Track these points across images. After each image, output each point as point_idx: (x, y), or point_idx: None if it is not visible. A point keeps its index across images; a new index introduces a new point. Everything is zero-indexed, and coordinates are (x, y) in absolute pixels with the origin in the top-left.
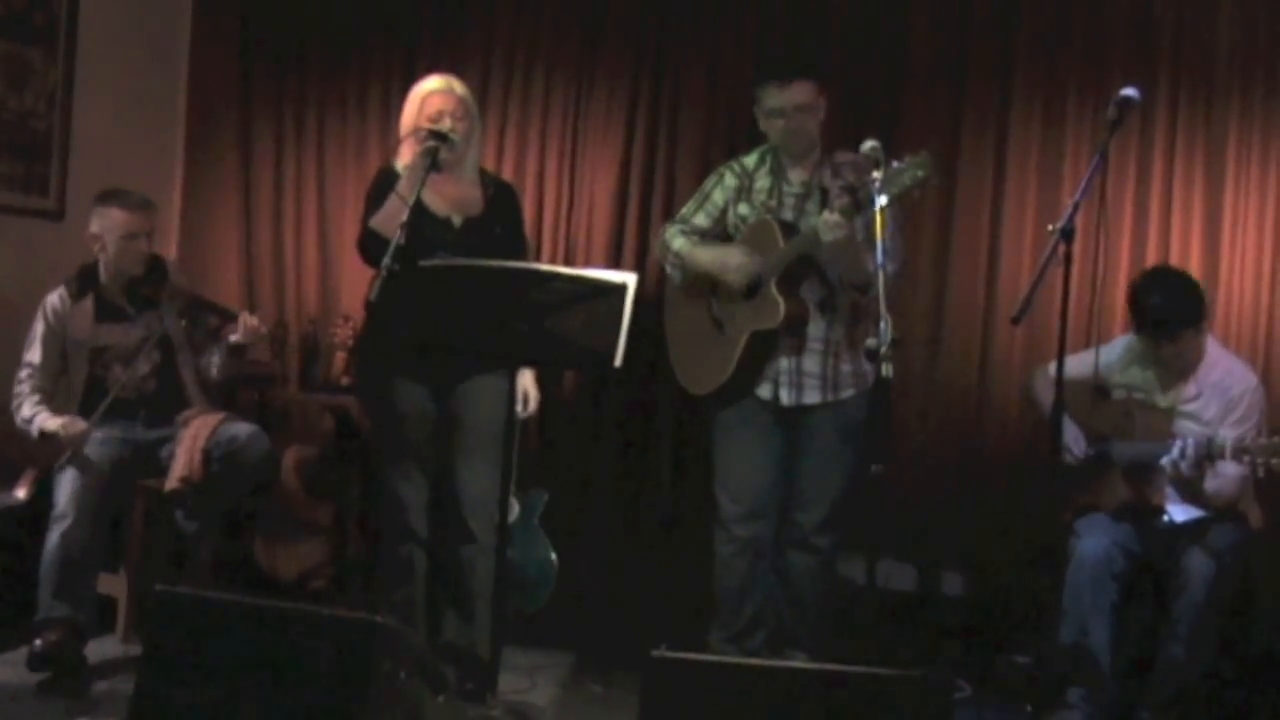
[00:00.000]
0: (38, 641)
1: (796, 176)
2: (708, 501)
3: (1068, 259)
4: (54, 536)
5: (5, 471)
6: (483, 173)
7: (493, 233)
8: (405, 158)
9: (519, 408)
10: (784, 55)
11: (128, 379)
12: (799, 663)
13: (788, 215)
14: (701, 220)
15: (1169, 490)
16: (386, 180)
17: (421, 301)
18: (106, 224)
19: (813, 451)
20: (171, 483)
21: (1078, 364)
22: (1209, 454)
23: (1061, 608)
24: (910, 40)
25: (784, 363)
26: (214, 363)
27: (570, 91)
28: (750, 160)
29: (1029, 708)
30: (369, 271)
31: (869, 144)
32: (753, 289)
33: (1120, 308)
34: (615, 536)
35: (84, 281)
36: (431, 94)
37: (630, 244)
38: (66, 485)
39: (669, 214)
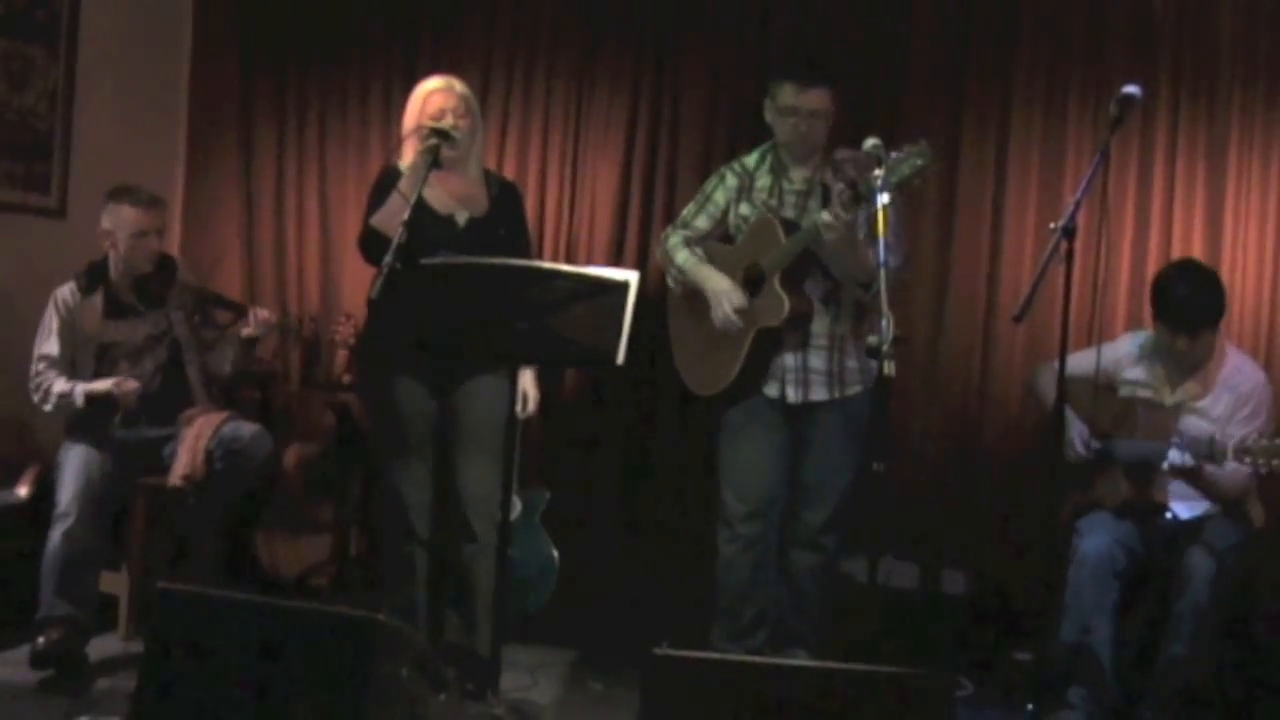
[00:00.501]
0: (39, 639)
1: (798, 175)
2: (709, 499)
3: (1069, 257)
4: (56, 534)
5: (6, 469)
6: (487, 173)
7: (497, 232)
8: (407, 156)
9: (518, 408)
10: (807, 59)
11: (133, 376)
12: (800, 661)
13: (789, 213)
14: (703, 222)
15: (1171, 487)
16: (389, 179)
17: (423, 300)
18: (117, 221)
19: (820, 449)
20: (174, 481)
21: (1081, 361)
22: (1211, 455)
23: (1063, 606)
24: (911, 39)
25: (790, 360)
26: (226, 358)
27: (571, 90)
28: (751, 160)
29: (1030, 706)
30: (370, 269)
31: (870, 142)
32: (756, 286)
33: (1122, 305)
34: (617, 535)
35: (93, 277)
36: (433, 93)
37: (631, 242)
38: (68, 483)
39: (670, 212)
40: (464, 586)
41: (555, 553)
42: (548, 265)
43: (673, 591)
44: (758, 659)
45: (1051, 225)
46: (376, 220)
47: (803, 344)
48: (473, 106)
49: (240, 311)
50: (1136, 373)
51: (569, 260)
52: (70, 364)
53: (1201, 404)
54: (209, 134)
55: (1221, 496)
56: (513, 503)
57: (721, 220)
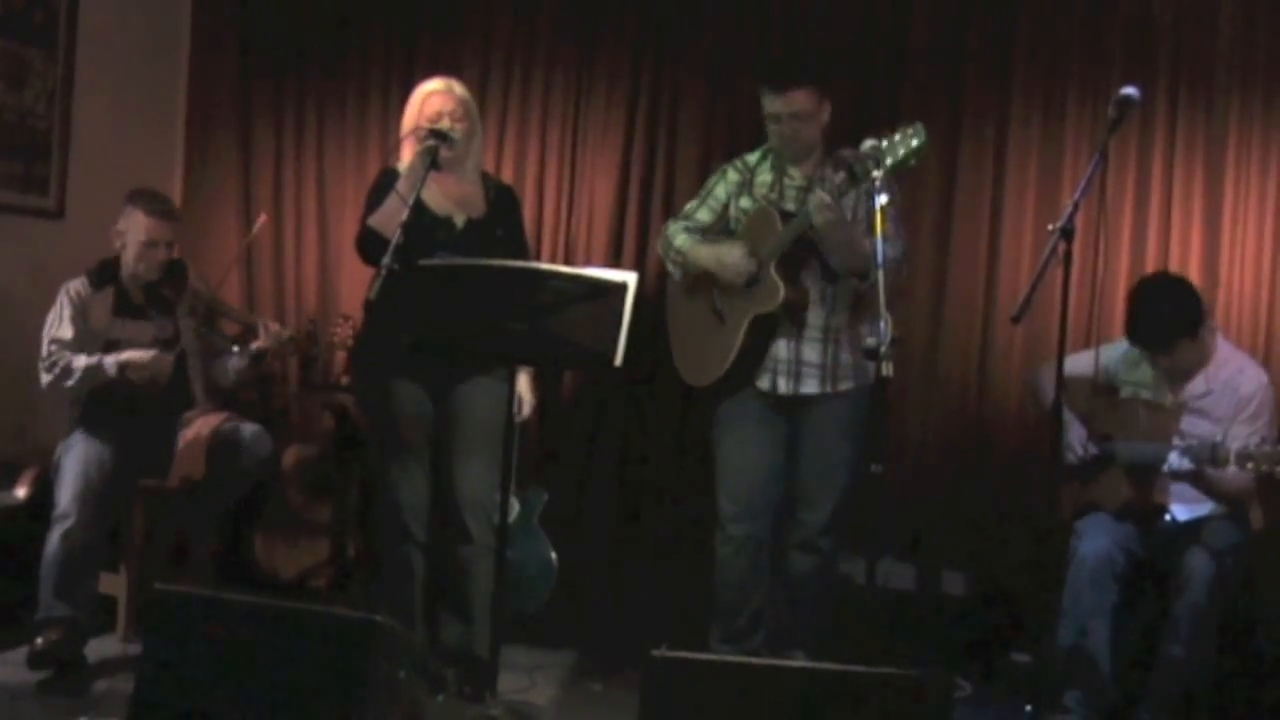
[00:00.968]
0: (38, 640)
1: (799, 172)
2: (707, 501)
3: (1067, 258)
4: (55, 536)
5: (5, 470)
6: (484, 175)
7: (494, 234)
8: (405, 158)
9: (515, 411)
10: (781, 61)
11: (135, 377)
12: (799, 662)
13: (789, 207)
14: (704, 215)
15: (1173, 490)
16: (387, 180)
17: (421, 301)
18: (130, 225)
19: (812, 447)
20: (173, 482)
21: (1081, 362)
22: (1213, 459)
23: (1061, 608)
24: (910, 40)
25: (783, 351)
26: (230, 369)
27: (569, 92)
28: (753, 157)
29: (1029, 707)
30: (369, 271)
31: (869, 143)
32: (752, 279)
33: (1120, 307)
34: (614, 536)
35: (104, 274)
36: (431, 94)
37: (630, 243)
38: (68, 484)
39: (668, 213)
40: (462, 588)
41: (553, 554)
42: (546, 267)
43: (671, 593)
44: (756, 660)
45: (1050, 226)
46: (374, 221)
47: (797, 335)
48: (471, 109)
49: (249, 325)
50: (1136, 374)
51: (567, 262)
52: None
53: (1204, 404)
54: (207, 135)
55: (1223, 498)
56: (511, 504)
57: (722, 214)
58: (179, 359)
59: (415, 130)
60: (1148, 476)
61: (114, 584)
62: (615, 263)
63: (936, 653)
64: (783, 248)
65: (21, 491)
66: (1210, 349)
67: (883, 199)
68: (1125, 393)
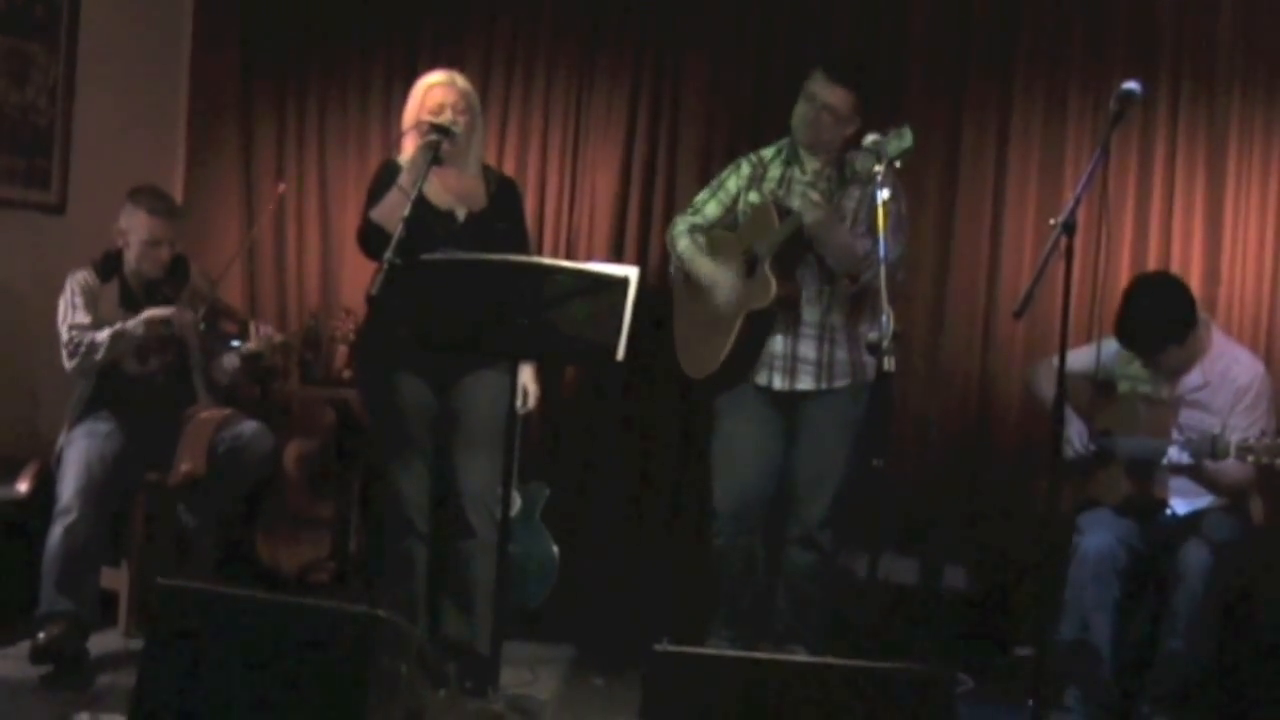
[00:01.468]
0: (40, 635)
1: (810, 166)
2: (709, 495)
3: (1069, 253)
4: (57, 530)
5: (7, 465)
6: (486, 168)
7: (495, 227)
8: (407, 151)
9: (518, 403)
10: (848, 58)
11: (138, 372)
12: (801, 657)
13: (794, 203)
14: (713, 209)
15: (1172, 484)
16: (389, 174)
17: (423, 295)
18: (132, 223)
19: (808, 443)
20: (175, 477)
21: (1080, 358)
22: (1213, 452)
23: (1063, 603)
24: (911, 35)
25: (779, 346)
26: (225, 369)
27: (571, 86)
28: (768, 152)
29: (1030, 702)
30: (370, 265)
31: (870, 138)
32: (749, 269)
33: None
34: (617, 530)
35: (109, 267)
36: (433, 87)
37: (632, 238)
38: (70, 479)
39: (670, 208)
40: (463, 582)
41: (555, 548)
42: (548, 261)
43: (673, 587)
44: (758, 655)
45: (1051, 221)
46: (376, 215)
47: (794, 332)
48: (473, 102)
49: (243, 325)
50: (1133, 369)
51: (569, 256)
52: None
53: (1201, 396)
54: (209, 130)
55: (1223, 491)
56: (513, 498)
57: (731, 207)
58: (180, 356)
59: (417, 124)
60: (1147, 471)
61: (116, 579)
62: (617, 256)
63: (938, 647)
64: (776, 245)
65: (23, 486)
66: (1204, 343)
67: (885, 194)
68: (1123, 388)
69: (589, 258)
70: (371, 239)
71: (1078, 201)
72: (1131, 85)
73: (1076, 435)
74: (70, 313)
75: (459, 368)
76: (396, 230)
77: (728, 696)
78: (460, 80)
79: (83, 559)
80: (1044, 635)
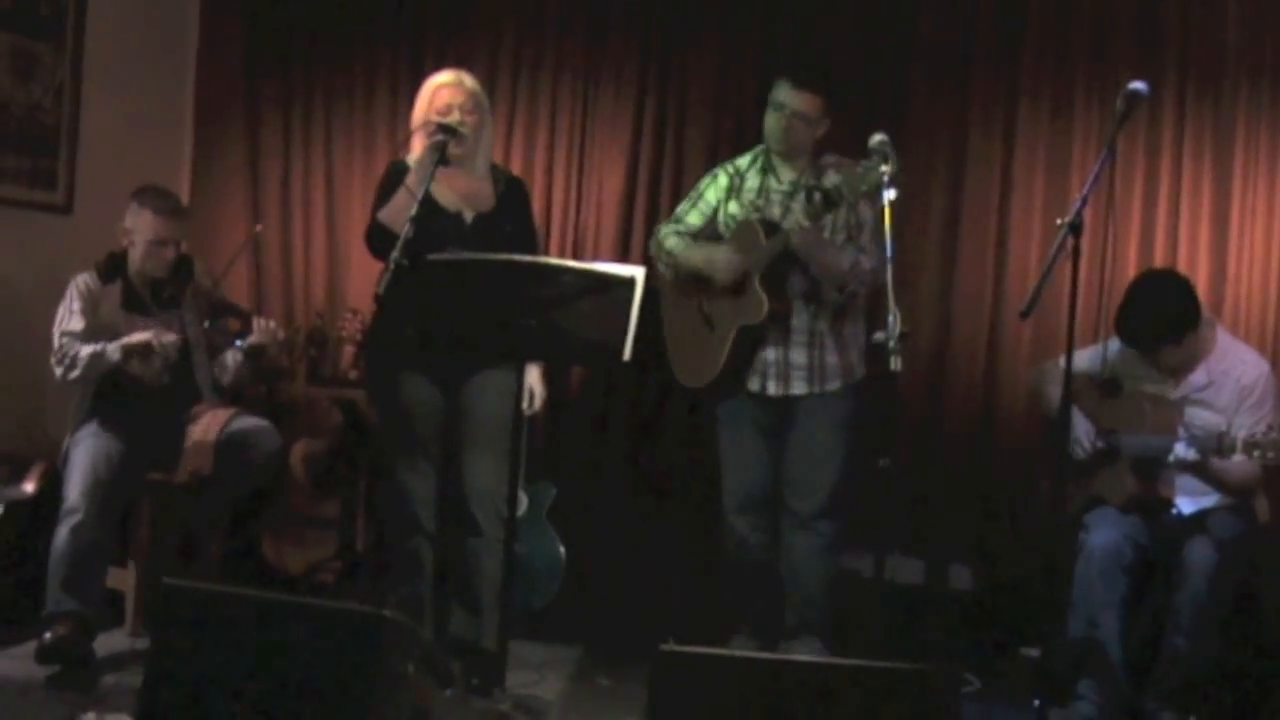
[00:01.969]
0: (46, 635)
1: (785, 176)
2: (715, 495)
3: (1075, 253)
4: (63, 531)
5: (13, 465)
6: (494, 168)
7: (503, 228)
8: (415, 151)
9: (524, 404)
10: (810, 61)
11: (142, 372)
12: (807, 656)
13: (774, 212)
14: (695, 219)
15: (1178, 483)
16: (396, 174)
17: (430, 296)
18: (137, 223)
19: (800, 442)
20: (181, 477)
21: (1085, 358)
22: (1219, 449)
23: (1070, 602)
24: (917, 35)
25: (771, 354)
26: (227, 368)
27: (578, 86)
28: (743, 161)
29: (1037, 702)
30: (377, 265)
31: (877, 138)
32: (740, 285)
33: None
34: (623, 530)
35: (112, 268)
36: (441, 87)
37: (638, 237)
38: (76, 479)
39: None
40: (470, 582)
41: (562, 548)
42: (554, 261)
43: (679, 586)
44: (764, 655)
45: (1058, 221)
46: (383, 216)
47: (784, 340)
48: (481, 102)
49: (245, 319)
50: (1138, 368)
51: (576, 255)
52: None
53: (1206, 395)
54: (215, 129)
55: (1229, 489)
56: (519, 498)
57: (712, 218)
58: (185, 355)
59: (425, 124)
60: (1153, 470)
61: (122, 579)
62: (624, 256)
63: (944, 647)
64: (765, 263)
65: (30, 486)
66: (1209, 343)
67: (891, 194)
68: (1129, 387)
69: (595, 258)
70: (378, 239)
71: (1084, 202)
72: (1137, 85)
73: (1084, 436)
74: (64, 319)
75: (466, 368)
76: (404, 231)
77: (734, 696)
78: (468, 80)
79: (89, 559)
80: (1050, 635)
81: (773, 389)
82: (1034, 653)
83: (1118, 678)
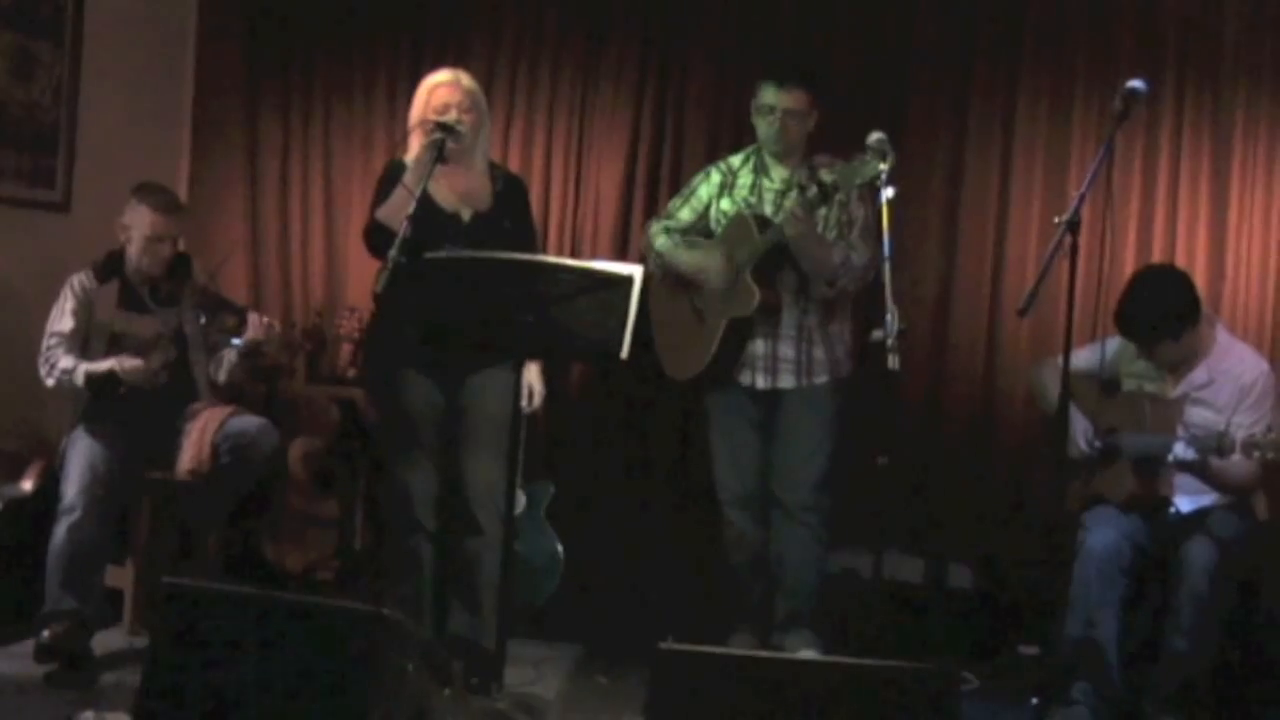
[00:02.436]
0: (44, 633)
1: (778, 175)
2: (712, 492)
3: (1074, 251)
4: (61, 529)
5: (12, 463)
6: (492, 165)
7: (501, 226)
8: (413, 150)
9: (523, 401)
10: (789, 60)
11: (97, 389)
12: (805, 655)
13: (767, 210)
14: (686, 215)
15: (1177, 481)
16: (394, 172)
17: (428, 294)
18: (135, 220)
19: (786, 434)
20: (180, 475)
21: (1084, 356)
22: (1219, 448)
23: (1068, 601)
24: (916, 33)
25: (760, 348)
26: (223, 366)
27: (576, 84)
28: (736, 159)
29: (1035, 700)
30: (375, 263)
31: (875, 136)
32: (729, 284)
33: None
34: (621, 528)
35: (110, 267)
36: (438, 86)
37: (636, 236)
38: (74, 478)
39: None
40: (469, 580)
41: (560, 546)
42: (552, 259)
43: (678, 585)
44: (762, 653)
45: (1056, 219)
46: (381, 214)
47: (773, 334)
48: (479, 101)
49: (242, 317)
50: (1139, 366)
51: (573, 253)
52: (83, 347)
53: (1205, 394)
54: (213, 127)
55: (1228, 488)
56: (518, 496)
57: (704, 214)
58: (182, 353)
59: (422, 123)
60: (1152, 468)
61: (120, 577)
62: (621, 254)
63: (943, 646)
64: (757, 256)
65: (28, 485)
66: (1208, 341)
67: (889, 192)
68: (1128, 386)
69: (593, 256)
70: (376, 238)
71: (1082, 199)
72: (1136, 83)
73: (1081, 435)
74: (56, 320)
75: (465, 366)
76: (401, 229)
77: (732, 695)
78: (466, 79)
79: (87, 557)
80: (1049, 633)
81: (761, 382)
82: (1033, 651)
83: (1113, 679)
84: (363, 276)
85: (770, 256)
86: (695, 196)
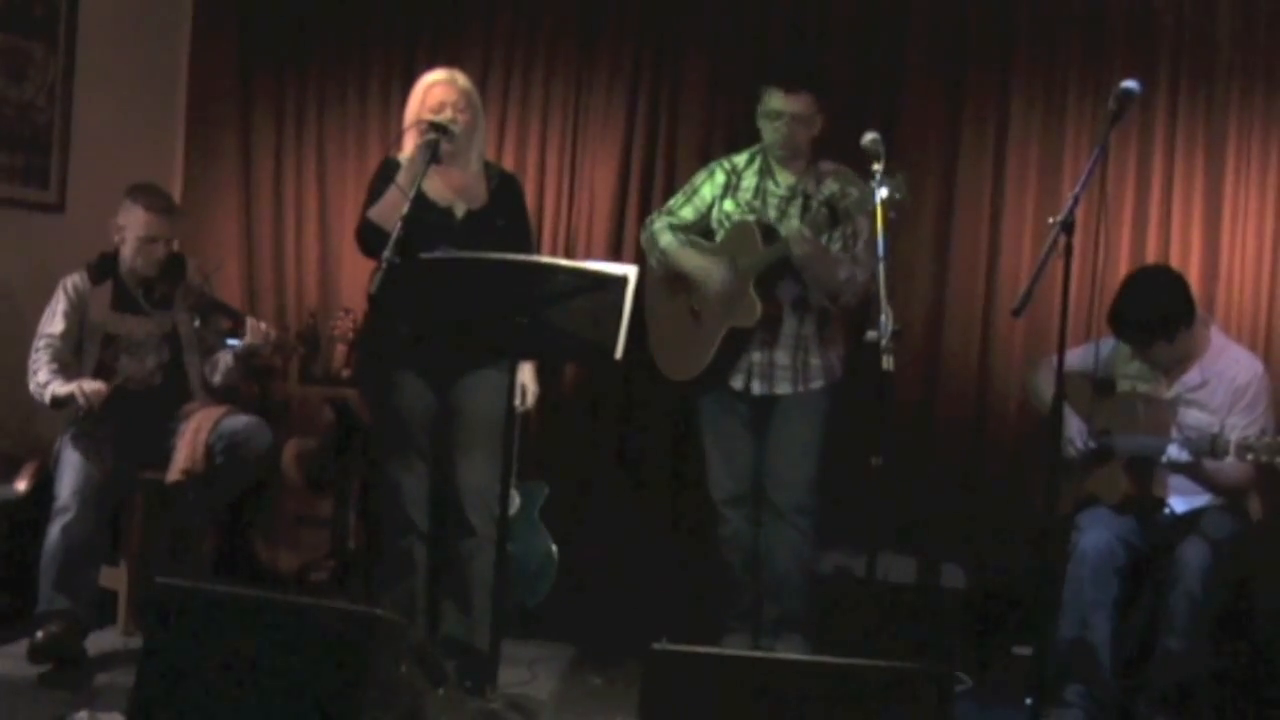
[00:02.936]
0: (38, 634)
1: (783, 179)
2: (706, 493)
3: (1068, 251)
4: (55, 529)
5: (6, 463)
6: (488, 165)
7: (495, 225)
8: (407, 149)
9: (517, 402)
10: (794, 64)
11: (134, 371)
12: (799, 655)
13: (770, 215)
14: (688, 213)
15: (1170, 482)
16: (388, 171)
17: (422, 294)
18: (129, 220)
19: (779, 436)
20: (173, 475)
21: (1078, 357)
22: (1212, 450)
23: (1062, 602)
24: (909, 33)
25: (757, 355)
26: (219, 368)
27: (570, 84)
28: (740, 159)
29: (1029, 700)
30: (369, 264)
31: (869, 136)
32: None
33: None
34: (616, 529)
35: (103, 268)
36: (434, 85)
37: (630, 236)
38: (68, 478)
39: None
40: (462, 581)
41: (554, 547)
42: (546, 260)
43: (671, 585)
44: (756, 653)
45: (1050, 220)
46: (374, 214)
47: (770, 342)
48: (474, 101)
49: (238, 320)
50: (1133, 367)
51: (568, 253)
52: (75, 349)
53: (1199, 395)
54: (207, 128)
55: (1222, 490)
56: (512, 497)
57: (706, 214)
58: (176, 354)
59: (417, 122)
60: (1146, 469)
61: (114, 577)
62: (616, 255)
63: (936, 646)
64: (760, 269)
65: (22, 485)
66: (1203, 342)
67: (883, 192)
68: (1122, 387)
69: (587, 256)
70: (369, 237)
71: (1076, 200)
72: (1130, 84)
73: (1076, 435)
74: (46, 321)
75: (459, 366)
76: (395, 228)
77: (726, 695)
78: (461, 79)
79: (81, 558)
80: (1043, 634)
81: (757, 388)
82: (1026, 651)
83: (1107, 680)
84: (357, 277)
85: (772, 267)
86: (698, 195)
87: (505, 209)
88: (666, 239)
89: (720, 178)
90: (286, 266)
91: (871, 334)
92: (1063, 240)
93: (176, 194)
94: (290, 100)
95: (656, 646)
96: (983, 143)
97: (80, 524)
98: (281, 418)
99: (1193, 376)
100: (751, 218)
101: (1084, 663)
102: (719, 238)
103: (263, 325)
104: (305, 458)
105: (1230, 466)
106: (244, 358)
